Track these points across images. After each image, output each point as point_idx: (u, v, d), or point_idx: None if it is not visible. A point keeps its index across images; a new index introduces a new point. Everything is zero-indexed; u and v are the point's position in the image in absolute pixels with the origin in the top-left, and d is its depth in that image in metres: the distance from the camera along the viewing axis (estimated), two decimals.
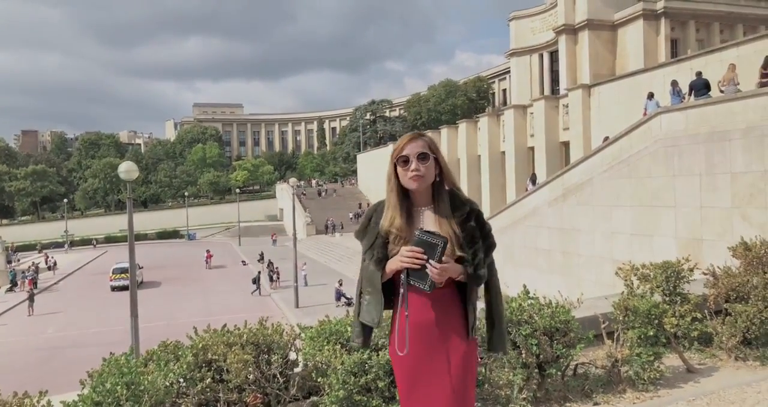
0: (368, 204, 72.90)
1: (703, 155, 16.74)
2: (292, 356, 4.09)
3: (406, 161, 2.42)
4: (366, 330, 2.64)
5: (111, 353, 3.87)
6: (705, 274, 5.19)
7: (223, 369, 3.75)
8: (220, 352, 3.78)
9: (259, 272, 39.04)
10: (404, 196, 2.49)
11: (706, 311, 5.13)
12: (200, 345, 3.87)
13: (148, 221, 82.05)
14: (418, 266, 2.30)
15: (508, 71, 64.93)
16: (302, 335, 4.15)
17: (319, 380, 3.72)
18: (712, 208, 16.64)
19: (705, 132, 16.70)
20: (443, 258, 2.29)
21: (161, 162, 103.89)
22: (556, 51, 48.41)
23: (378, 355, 3.73)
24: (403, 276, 2.37)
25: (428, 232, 2.31)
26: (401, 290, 2.39)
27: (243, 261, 50.99)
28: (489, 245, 2.51)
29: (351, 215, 68.91)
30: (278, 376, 3.85)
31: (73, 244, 73.22)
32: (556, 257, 22.02)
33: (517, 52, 55.44)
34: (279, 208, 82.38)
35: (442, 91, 79.17)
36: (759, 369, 4.74)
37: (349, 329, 3.95)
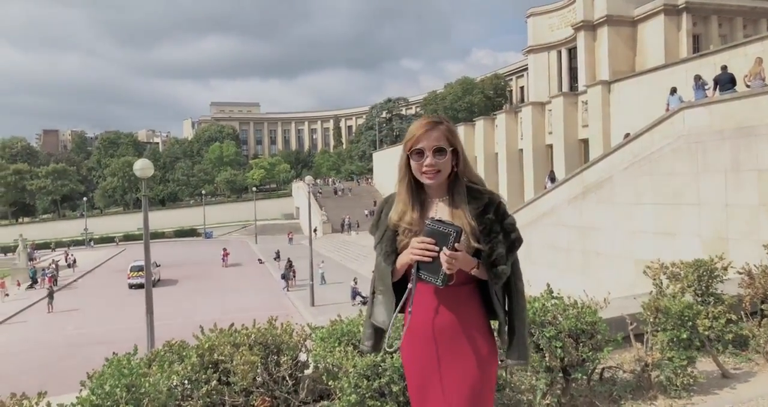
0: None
1: (728, 151, 16.30)
2: (302, 357, 3.89)
3: (420, 153, 2.20)
4: (377, 333, 2.44)
5: (114, 353, 3.71)
6: (740, 273, 4.91)
7: (230, 370, 3.58)
8: (226, 353, 3.60)
9: (287, 268, 38.94)
10: (417, 188, 2.28)
11: (741, 312, 4.85)
12: (206, 346, 3.69)
13: (165, 219, 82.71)
14: (429, 259, 2.08)
15: (526, 68, 64.35)
16: (313, 335, 3.95)
17: (330, 383, 3.52)
18: (738, 206, 16.19)
19: (730, 128, 16.25)
20: (456, 246, 2.07)
21: (179, 161, 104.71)
22: (575, 48, 47.77)
23: (392, 357, 3.52)
24: (413, 270, 2.17)
25: (440, 221, 2.11)
26: (409, 285, 2.19)
27: (259, 259, 51.13)
28: (512, 240, 2.26)
29: (366, 212, 68.84)
30: (287, 379, 3.66)
31: (94, 242, 74.16)
32: (575, 256, 21.63)
33: (535, 49, 54.82)
34: (295, 206, 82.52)
35: (459, 88, 78.67)
36: None
37: (362, 329, 3.74)
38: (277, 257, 46.38)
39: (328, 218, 65.01)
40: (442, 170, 2.21)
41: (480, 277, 2.23)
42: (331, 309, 30.01)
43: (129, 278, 39.64)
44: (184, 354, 3.60)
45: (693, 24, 41.43)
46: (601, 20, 43.24)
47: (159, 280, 40.32)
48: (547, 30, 53.81)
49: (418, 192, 2.28)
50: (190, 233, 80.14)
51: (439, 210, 2.27)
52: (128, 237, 75.62)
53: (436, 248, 2.07)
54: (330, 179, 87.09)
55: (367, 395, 3.42)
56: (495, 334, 2.33)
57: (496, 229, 2.24)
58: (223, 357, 3.59)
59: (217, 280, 42.21)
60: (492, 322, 2.35)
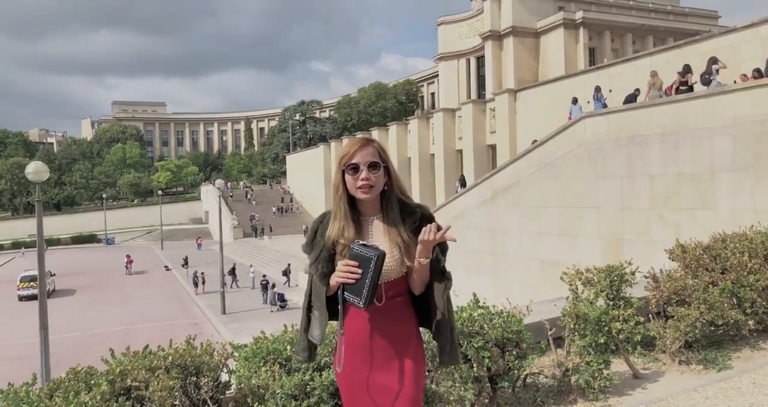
0: (291, 200, 72.05)
1: (623, 158, 17.43)
2: (224, 377, 3.69)
3: (355, 169, 2.27)
4: (312, 345, 2.46)
5: (9, 384, 3.34)
6: (645, 277, 5.21)
7: (145, 397, 3.31)
8: (141, 378, 3.33)
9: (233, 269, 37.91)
10: (352, 205, 2.33)
11: (649, 314, 5.14)
12: (117, 371, 3.40)
13: (61, 224, 77.17)
14: (353, 281, 2.16)
15: (437, 75, 65.87)
16: (235, 354, 3.76)
17: (256, 406, 3.35)
18: (631, 209, 17.35)
19: (625, 136, 17.38)
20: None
21: (77, 162, 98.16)
22: (483, 56, 49.50)
23: (321, 375, 3.41)
24: (339, 292, 2.25)
25: (363, 245, 2.18)
26: (339, 307, 2.27)
27: (166, 266, 48.89)
28: (444, 248, 2.38)
29: (274, 209, 67.94)
30: (209, 402, 3.44)
31: None
32: (485, 257, 22.34)
33: (445, 57, 56.32)
34: (204, 210, 79.72)
35: (372, 93, 79.32)
36: (703, 373, 4.76)
37: (288, 347, 3.60)
38: (185, 263, 44.54)
39: (239, 222, 63.29)
40: (375, 186, 2.28)
41: (418, 283, 2.31)
42: (243, 316, 29.20)
43: (19, 289, 36.70)
44: (92, 382, 3.29)
45: (589, 38, 44.20)
46: (507, 31, 45.12)
47: (54, 290, 37.59)
48: (456, 38, 55.44)
49: (353, 210, 2.34)
50: (90, 239, 75.41)
51: (374, 228, 2.34)
52: (17, 245, 69.85)
53: (359, 271, 2.14)
54: (241, 183, 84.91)
55: None
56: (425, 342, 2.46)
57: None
58: (137, 383, 3.32)
59: (120, 289, 39.94)
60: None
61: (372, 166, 2.27)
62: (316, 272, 2.34)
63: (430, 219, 2.35)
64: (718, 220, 14.33)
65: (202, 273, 36.80)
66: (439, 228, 2.20)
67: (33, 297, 31.88)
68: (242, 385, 3.45)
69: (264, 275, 35.68)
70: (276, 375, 3.39)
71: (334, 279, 2.23)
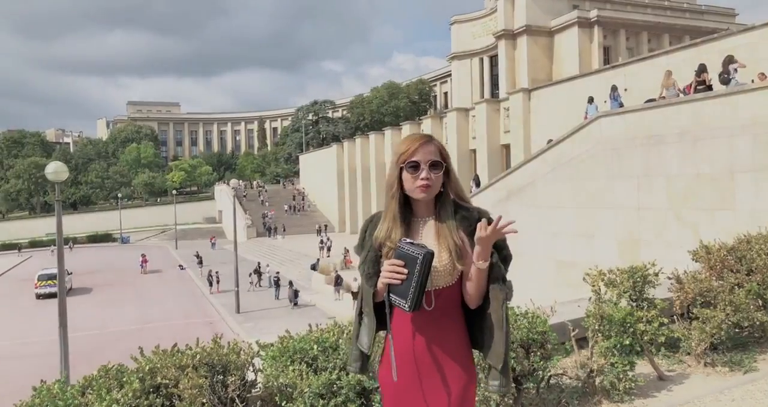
0: (303, 198, 72.29)
1: (640, 157, 17.29)
2: (250, 376, 3.73)
3: (415, 167, 2.15)
4: (364, 355, 2.34)
5: (42, 381, 3.40)
6: (669, 278, 5.17)
7: (175, 394, 3.35)
8: (170, 376, 3.38)
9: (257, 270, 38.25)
10: (405, 205, 2.22)
11: (674, 316, 5.11)
12: (147, 368, 3.45)
13: (78, 223, 77.99)
14: (398, 282, 2.03)
15: (450, 74, 65.73)
16: (261, 353, 3.79)
17: (284, 404, 3.38)
18: (648, 209, 17.21)
19: (642, 136, 17.24)
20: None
21: (92, 162, 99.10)
22: (496, 55, 49.34)
23: (348, 375, 3.43)
24: (385, 294, 2.12)
25: (411, 243, 2.06)
26: (386, 310, 2.13)
27: (180, 265, 49.28)
28: (504, 256, 2.23)
29: (286, 207, 68.29)
30: (237, 400, 3.48)
31: None
32: None
33: (459, 56, 56.19)
34: (218, 210, 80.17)
35: (384, 92, 79.32)
36: (728, 375, 4.73)
37: (315, 346, 3.62)
38: (200, 262, 44.86)
39: (252, 222, 63.60)
40: (434, 186, 2.17)
41: (474, 294, 2.15)
42: (258, 315, 29.37)
43: (37, 287, 37.14)
44: (124, 379, 3.34)
45: (603, 36, 43.88)
46: (520, 30, 44.92)
47: (71, 289, 37.99)
48: (470, 37, 55.29)
49: (405, 210, 2.23)
50: (105, 238, 76.13)
51: (425, 229, 2.22)
52: (35, 244, 70.78)
53: (405, 271, 2.02)
54: (255, 182, 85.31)
55: None
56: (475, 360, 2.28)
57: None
58: (167, 381, 3.37)
59: (135, 288, 40.32)
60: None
61: (433, 165, 2.16)
62: (363, 274, 2.25)
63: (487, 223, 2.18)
64: (737, 220, 14.18)
65: (217, 272, 37.04)
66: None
67: (50, 296, 32.30)
68: (270, 384, 3.48)
69: (277, 272, 36.01)
70: (304, 375, 3.42)
71: (381, 281, 2.13)
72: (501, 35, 46.16)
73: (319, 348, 3.61)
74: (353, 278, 29.17)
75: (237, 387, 3.56)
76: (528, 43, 44.37)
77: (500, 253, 2.19)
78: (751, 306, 4.93)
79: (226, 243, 58.57)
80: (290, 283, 32.56)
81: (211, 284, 36.77)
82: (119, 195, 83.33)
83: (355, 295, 27.75)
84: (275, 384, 3.47)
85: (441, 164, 2.18)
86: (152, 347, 3.68)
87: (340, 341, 3.67)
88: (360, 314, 2.30)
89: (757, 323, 4.94)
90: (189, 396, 3.23)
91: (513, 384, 3.85)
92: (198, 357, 3.57)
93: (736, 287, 5.05)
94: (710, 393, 4.28)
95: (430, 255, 2.01)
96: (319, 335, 3.81)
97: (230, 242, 39.17)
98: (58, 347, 15.77)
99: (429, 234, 2.20)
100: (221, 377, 3.61)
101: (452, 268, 2.14)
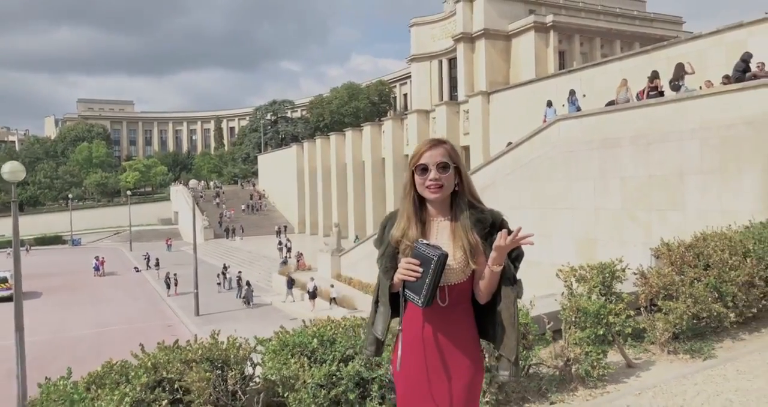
0: (260, 197, 71.73)
1: (597, 160, 17.96)
2: (248, 371, 3.86)
3: (425, 169, 2.30)
4: (379, 340, 2.52)
5: (47, 378, 3.45)
6: (635, 274, 5.54)
7: (179, 388, 3.46)
8: (175, 370, 3.49)
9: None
10: (420, 206, 2.38)
11: (639, 309, 5.48)
12: (149, 364, 3.55)
13: (25, 225, 74.13)
14: (414, 279, 2.20)
15: (409, 76, 66.28)
16: (259, 348, 3.93)
17: (286, 395, 3.53)
18: (604, 209, 17.90)
19: (599, 139, 17.91)
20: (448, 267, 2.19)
21: (40, 161, 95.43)
22: (455, 58, 50.07)
23: (347, 366, 3.61)
24: (400, 289, 2.30)
25: (427, 244, 2.22)
26: (400, 303, 2.33)
27: (135, 268, 48.17)
28: (516, 255, 2.38)
29: (243, 206, 67.82)
30: (239, 393, 3.61)
31: None
32: None
33: (418, 58, 56.76)
34: (174, 211, 78.56)
35: (344, 93, 79.29)
36: (690, 362, 5.13)
37: (314, 340, 3.79)
38: (156, 264, 43.95)
39: (209, 223, 62.63)
40: (445, 186, 2.29)
41: (485, 292, 2.30)
42: (219, 317, 29.00)
43: None
44: (129, 374, 3.43)
45: (559, 41, 45.12)
46: (478, 33, 45.73)
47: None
48: (429, 40, 55.91)
49: (420, 210, 2.37)
50: (55, 240, 73.48)
51: (441, 228, 2.36)
52: None
53: (420, 270, 2.18)
54: (211, 183, 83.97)
55: (324, 404, 3.48)
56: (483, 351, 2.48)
57: None
58: (171, 375, 3.47)
59: (90, 291, 39.23)
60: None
61: (441, 166, 2.27)
62: (381, 267, 2.39)
63: (501, 225, 2.35)
64: (686, 220, 14.93)
65: (175, 274, 36.42)
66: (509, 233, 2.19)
67: (2, 299, 31.12)
68: (273, 376, 3.62)
69: (239, 272, 35.94)
70: (305, 367, 3.58)
71: (397, 276, 2.27)
72: (460, 38, 46.87)
73: (317, 342, 3.77)
74: (330, 285, 29.35)
75: (237, 381, 3.69)
76: (486, 47, 45.20)
77: (512, 252, 2.32)
78: (709, 299, 5.34)
79: (183, 245, 57.52)
80: (248, 283, 32.44)
81: (168, 287, 36.14)
82: (70, 196, 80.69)
83: (332, 301, 27.87)
84: (277, 376, 3.61)
85: (449, 164, 2.30)
86: (110, 351, 3.75)
87: (337, 335, 3.84)
88: (376, 302, 2.46)
89: (714, 314, 5.36)
90: (197, 388, 3.35)
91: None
92: (200, 352, 3.69)
93: (695, 281, 5.46)
94: (674, 378, 4.65)
95: (444, 257, 2.16)
96: (314, 330, 3.98)
97: (186, 243, 38.67)
98: (10, 352, 15.32)
99: (444, 234, 2.34)
100: (220, 372, 3.74)
101: (465, 266, 2.29)
